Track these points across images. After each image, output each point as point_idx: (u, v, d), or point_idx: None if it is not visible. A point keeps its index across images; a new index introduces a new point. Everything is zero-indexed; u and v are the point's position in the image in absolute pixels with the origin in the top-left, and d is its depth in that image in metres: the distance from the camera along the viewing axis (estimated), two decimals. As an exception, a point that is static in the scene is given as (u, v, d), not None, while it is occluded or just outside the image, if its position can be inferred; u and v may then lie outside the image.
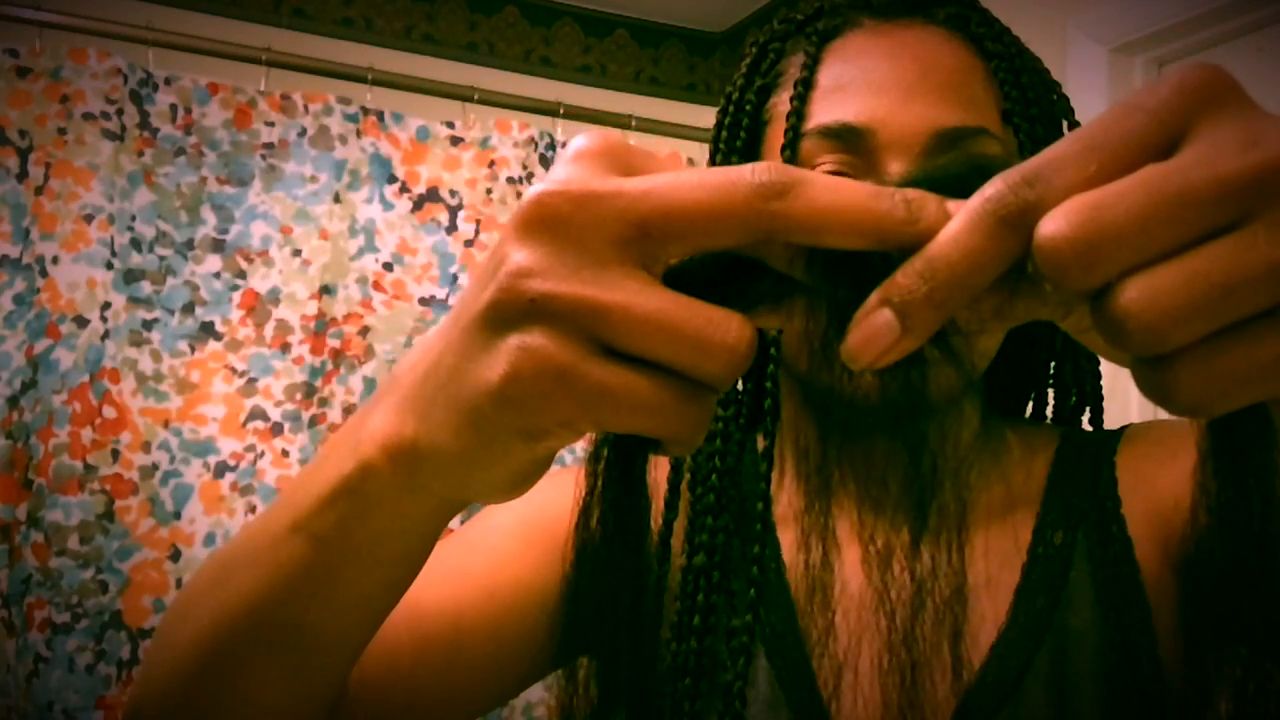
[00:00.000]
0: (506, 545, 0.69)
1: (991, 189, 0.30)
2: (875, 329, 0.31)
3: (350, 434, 0.41)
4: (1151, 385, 0.30)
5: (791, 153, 0.64)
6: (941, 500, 0.67)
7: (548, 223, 0.33)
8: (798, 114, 0.65)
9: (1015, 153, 0.65)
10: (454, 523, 0.53)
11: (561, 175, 0.33)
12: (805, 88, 0.65)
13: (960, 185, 0.32)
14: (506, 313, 0.33)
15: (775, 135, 0.67)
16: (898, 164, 0.62)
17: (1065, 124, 0.69)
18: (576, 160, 0.34)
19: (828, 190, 0.31)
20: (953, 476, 0.67)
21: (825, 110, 0.64)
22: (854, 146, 0.63)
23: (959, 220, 0.30)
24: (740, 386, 0.69)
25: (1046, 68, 0.70)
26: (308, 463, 0.45)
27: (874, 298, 0.31)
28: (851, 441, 0.69)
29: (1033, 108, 0.66)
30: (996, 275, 0.30)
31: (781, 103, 0.67)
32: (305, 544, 0.43)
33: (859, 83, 0.64)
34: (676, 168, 0.34)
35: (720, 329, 0.32)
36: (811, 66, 0.66)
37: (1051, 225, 0.29)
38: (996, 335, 0.65)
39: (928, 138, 0.62)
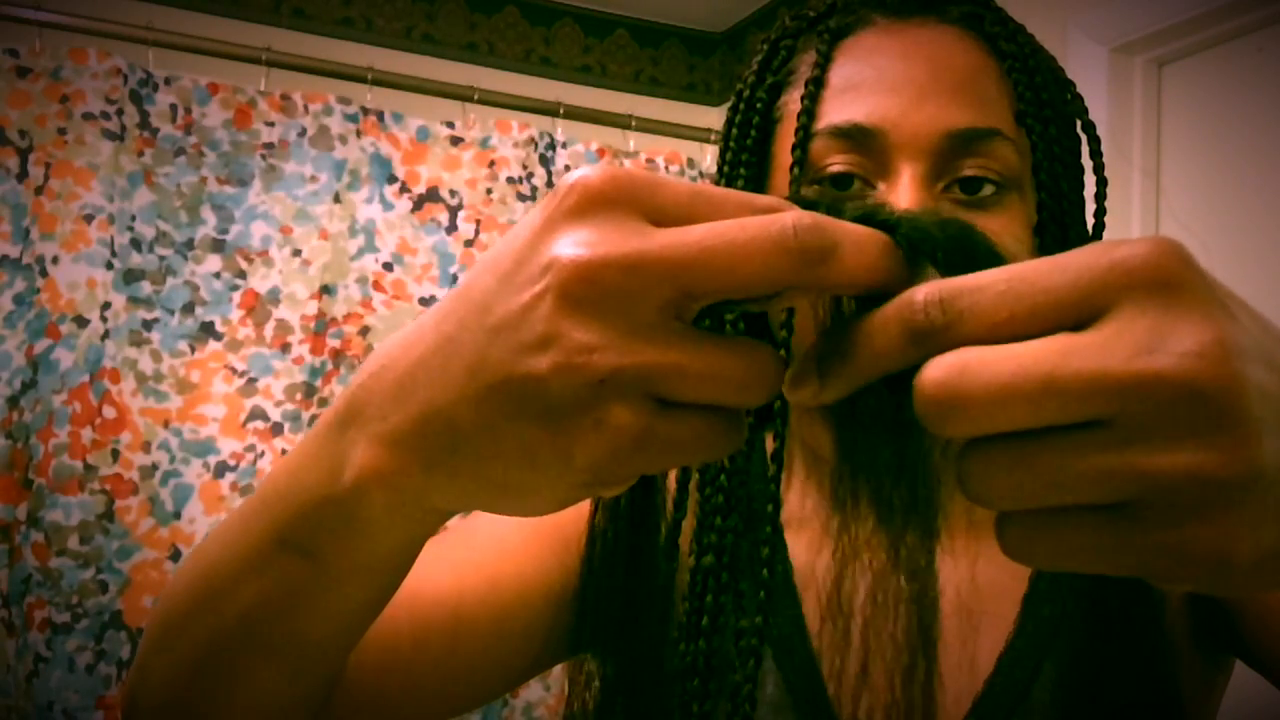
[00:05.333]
0: (511, 537, 0.69)
1: (920, 296, 0.32)
2: (800, 379, 0.36)
3: (328, 453, 0.39)
4: (994, 525, 0.33)
5: (802, 152, 0.63)
6: (950, 508, 0.66)
7: (598, 296, 0.32)
8: (809, 113, 0.64)
9: (1028, 152, 0.65)
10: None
11: (592, 237, 0.33)
12: (816, 86, 0.65)
13: (930, 244, 0.35)
14: (577, 392, 0.33)
15: (786, 133, 0.66)
16: (909, 165, 0.62)
17: (1079, 124, 0.69)
18: (593, 209, 0.33)
19: (857, 251, 0.34)
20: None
21: (836, 110, 0.64)
22: (865, 147, 0.63)
23: (877, 317, 0.33)
24: None
25: (1060, 67, 0.70)
26: (282, 463, 0.45)
27: (814, 345, 0.36)
28: (859, 444, 0.68)
29: (1046, 108, 0.65)
30: (887, 372, 0.34)
31: (792, 101, 0.67)
32: (297, 560, 0.43)
33: (871, 82, 0.64)
34: (682, 181, 0.35)
35: (760, 365, 0.34)
36: (823, 65, 0.65)
37: (929, 373, 0.31)
38: None
39: (940, 138, 0.62)
